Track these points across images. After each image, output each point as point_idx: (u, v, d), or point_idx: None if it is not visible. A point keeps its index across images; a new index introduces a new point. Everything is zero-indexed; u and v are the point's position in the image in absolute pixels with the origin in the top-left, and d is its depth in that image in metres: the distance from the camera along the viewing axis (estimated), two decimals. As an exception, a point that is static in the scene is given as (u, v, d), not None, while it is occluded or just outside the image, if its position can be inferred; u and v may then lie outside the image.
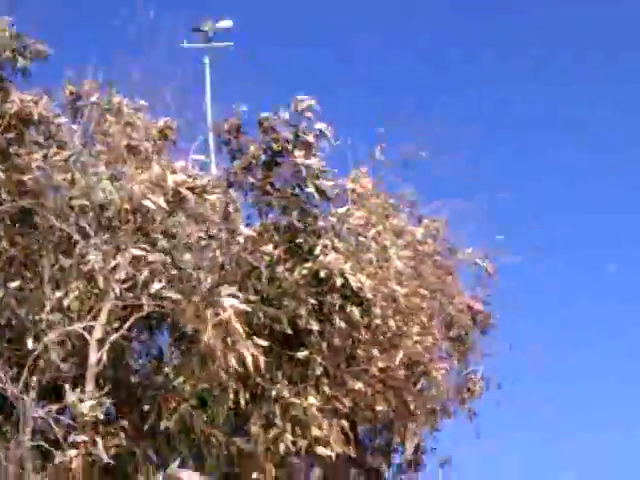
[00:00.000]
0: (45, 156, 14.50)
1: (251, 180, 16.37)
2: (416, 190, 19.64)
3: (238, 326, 13.80)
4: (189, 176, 14.39)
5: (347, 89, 33.43)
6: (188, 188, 14.13)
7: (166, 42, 16.66)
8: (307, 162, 16.06)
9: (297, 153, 16.05)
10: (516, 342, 19.97)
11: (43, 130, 14.98)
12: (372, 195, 18.34)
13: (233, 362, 13.85)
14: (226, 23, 20.34)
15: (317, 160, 16.20)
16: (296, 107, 16.37)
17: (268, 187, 16.34)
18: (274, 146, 16.39)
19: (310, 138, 16.23)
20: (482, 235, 20.26)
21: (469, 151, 20.48)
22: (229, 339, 13.80)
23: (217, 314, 13.70)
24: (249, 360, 13.92)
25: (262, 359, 14.11)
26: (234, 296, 13.71)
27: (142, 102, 15.92)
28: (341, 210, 16.95)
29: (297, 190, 16.23)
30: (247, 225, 16.20)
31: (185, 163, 14.92)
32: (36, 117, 14.75)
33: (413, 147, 19.04)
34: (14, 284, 13.73)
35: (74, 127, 15.20)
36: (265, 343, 14.35)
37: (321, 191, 16.25)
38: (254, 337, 14.19)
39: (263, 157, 16.47)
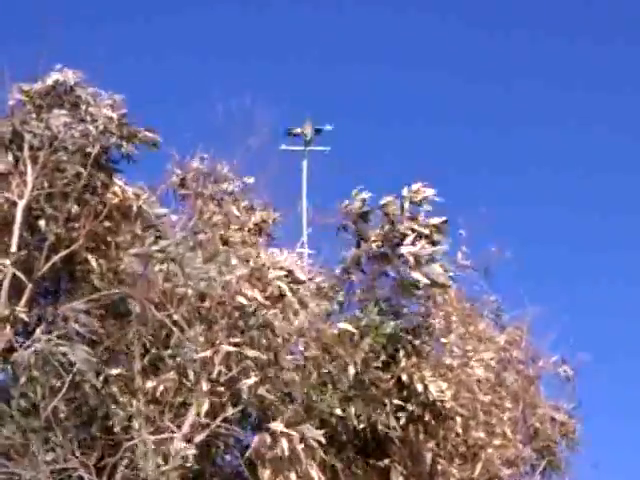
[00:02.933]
0: (142, 244, 14.47)
1: (359, 274, 15.89)
2: (498, 295, 19.54)
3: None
4: (289, 271, 14.18)
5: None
6: (288, 282, 13.96)
7: (266, 143, 16.52)
8: (413, 250, 15.32)
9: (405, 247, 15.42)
10: (602, 454, 19.60)
11: (141, 221, 14.99)
12: (453, 299, 18.11)
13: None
14: (326, 127, 20.40)
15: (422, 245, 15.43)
16: (411, 198, 15.84)
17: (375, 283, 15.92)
18: (392, 238, 15.72)
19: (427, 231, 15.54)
20: (564, 340, 20.04)
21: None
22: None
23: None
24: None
25: None
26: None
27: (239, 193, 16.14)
28: (421, 311, 16.47)
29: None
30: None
31: (287, 257, 14.66)
32: (135, 210, 14.83)
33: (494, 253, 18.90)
34: (115, 371, 13.60)
35: (174, 218, 15.26)
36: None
37: (431, 279, 15.44)
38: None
39: (382, 248, 15.79)
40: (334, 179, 17.97)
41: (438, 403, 15.55)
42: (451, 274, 15.79)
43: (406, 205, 15.73)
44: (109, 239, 14.60)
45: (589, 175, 38.31)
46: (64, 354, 12.87)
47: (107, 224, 14.60)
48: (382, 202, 15.92)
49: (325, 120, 20.72)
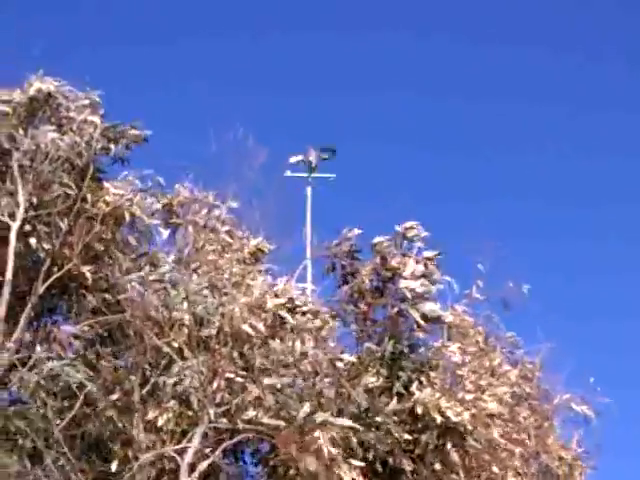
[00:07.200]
0: (139, 269, 14.30)
1: (354, 308, 16.05)
2: (514, 329, 19.14)
3: (334, 450, 13.30)
4: (290, 299, 14.10)
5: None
6: (288, 310, 13.83)
7: (268, 169, 16.15)
8: (411, 285, 15.73)
9: (404, 280, 15.80)
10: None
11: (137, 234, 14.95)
12: (468, 333, 17.81)
13: None
14: (328, 154, 19.88)
15: (420, 283, 15.82)
16: (404, 234, 16.27)
17: (371, 315, 16.07)
18: (384, 273, 16.09)
19: (420, 267, 15.97)
20: (578, 377, 19.56)
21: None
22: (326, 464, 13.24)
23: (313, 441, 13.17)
24: None
25: None
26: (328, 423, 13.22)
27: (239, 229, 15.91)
28: (437, 344, 16.52)
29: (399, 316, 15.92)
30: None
31: (285, 286, 14.60)
32: (128, 218, 14.66)
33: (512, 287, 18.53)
34: (114, 396, 13.31)
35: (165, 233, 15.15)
36: (362, 464, 13.78)
37: (425, 316, 15.82)
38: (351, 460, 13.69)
39: (374, 282, 16.16)
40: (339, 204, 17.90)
41: (460, 427, 15.41)
42: (444, 312, 16.30)
43: (399, 241, 16.30)
44: (102, 249, 14.37)
45: (606, 205, 38.13)
46: (69, 375, 12.60)
47: (101, 235, 14.44)
48: (374, 241, 16.41)
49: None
